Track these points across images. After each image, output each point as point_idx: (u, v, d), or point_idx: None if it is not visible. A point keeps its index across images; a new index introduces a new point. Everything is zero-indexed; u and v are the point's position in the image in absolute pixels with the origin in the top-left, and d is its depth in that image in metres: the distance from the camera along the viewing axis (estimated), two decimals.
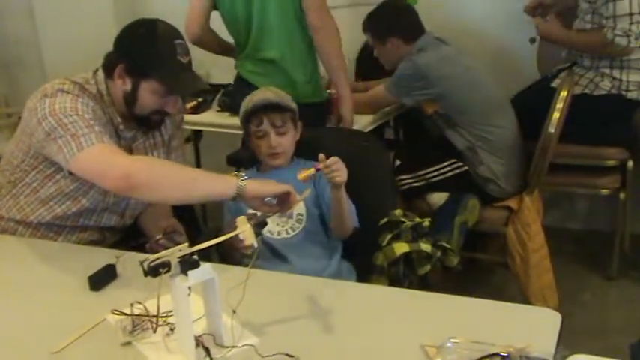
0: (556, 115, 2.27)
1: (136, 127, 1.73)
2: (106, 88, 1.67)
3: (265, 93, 1.86)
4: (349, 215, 1.75)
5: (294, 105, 1.85)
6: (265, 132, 1.80)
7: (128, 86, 1.64)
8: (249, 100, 1.85)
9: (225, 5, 2.41)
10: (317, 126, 2.26)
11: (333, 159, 1.59)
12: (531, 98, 2.69)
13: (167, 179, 1.48)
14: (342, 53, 2.40)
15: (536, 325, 1.22)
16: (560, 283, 2.48)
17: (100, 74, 1.68)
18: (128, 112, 1.68)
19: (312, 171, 1.56)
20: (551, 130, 2.27)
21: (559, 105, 2.28)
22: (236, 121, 1.98)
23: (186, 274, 1.13)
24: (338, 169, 1.60)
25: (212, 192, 1.51)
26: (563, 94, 2.31)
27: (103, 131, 1.56)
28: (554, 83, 2.59)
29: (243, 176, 1.47)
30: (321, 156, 1.59)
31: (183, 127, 1.94)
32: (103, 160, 1.50)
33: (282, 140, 1.81)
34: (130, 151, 1.72)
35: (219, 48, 2.63)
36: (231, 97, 2.63)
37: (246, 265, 1.28)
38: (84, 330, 1.27)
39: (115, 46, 1.67)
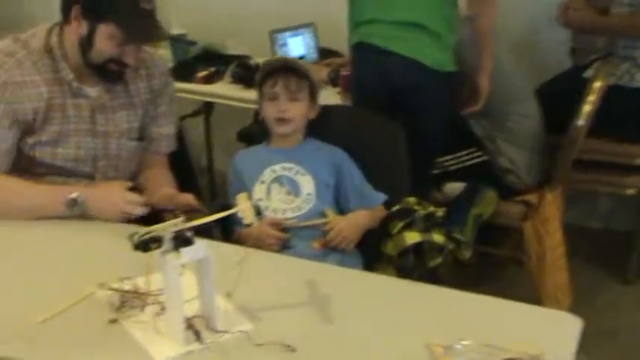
0: (587, 107, 2.16)
1: (95, 82, 1.64)
2: (57, 42, 1.59)
3: (287, 57, 1.81)
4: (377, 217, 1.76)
5: (314, 77, 1.79)
6: (278, 94, 1.74)
7: (84, 30, 1.55)
8: (268, 61, 1.81)
9: None
10: (455, 95, 2.21)
11: (331, 236, 1.66)
12: (560, 88, 2.57)
13: None
14: None
15: (554, 329, 1.14)
16: (574, 283, 2.40)
17: (56, 28, 1.61)
18: (84, 61, 1.58)
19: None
20: (581, 122, 2.16)
21: (591, 96, 2.17)
22: (249, 94, 1.92)
23: (178, 252, 1.06)
24: (339, 243, 1.66)
25: (36, 207, 1.53)
26: (597, 85, 2.19)
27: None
28: (587, 74, 2.47)
29: (79, 195, 1.50)
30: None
31: (172, 93, 1.83)
32: None
33: (293, 106, 1.75)
34: (92, 111, 1.64)
35: None
36: (248, 70, 2.50)
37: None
38: (70, 302, 1.20)
39: None
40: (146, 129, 1.76)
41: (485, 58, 2.20)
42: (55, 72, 1.59)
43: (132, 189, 1.52)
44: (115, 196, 1.51)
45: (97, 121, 1.65)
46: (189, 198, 1.53)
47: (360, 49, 2.17)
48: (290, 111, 1.75)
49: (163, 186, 1.70)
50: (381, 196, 1.77)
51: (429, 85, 2.09)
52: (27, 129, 1.59)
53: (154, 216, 1.49)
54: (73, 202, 1.50)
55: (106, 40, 1.54)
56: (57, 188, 1.57)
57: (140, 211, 1.49)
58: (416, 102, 2.10)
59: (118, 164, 1.71)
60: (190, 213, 1.52)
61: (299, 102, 1.75)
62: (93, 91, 1.64)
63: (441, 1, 2.12)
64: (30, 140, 1.60)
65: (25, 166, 1.62)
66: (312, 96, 1.79)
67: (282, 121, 1.76)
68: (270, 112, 1.77)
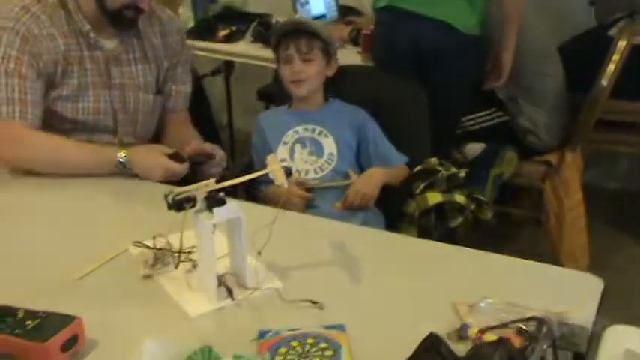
0: (611, 66, 2.14)
1: (110, 34, 1.65)
2: None
3: (297, 19, 1.81)
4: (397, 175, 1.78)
5: (326, 35, 1.79)
6: (291, 57, 1.76)
7: None
8: (280, 24, 1.82)
9: None
10: (481, 60, 2.22)
11: (350, 197, 1.69)
12: (584, 46, 2.54)
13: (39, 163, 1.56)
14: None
15: (575, 289, 1.16)
16: (592, 244, 2.41)
17: None
18: (99, 8, 1.59)
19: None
20: (604, 82, 2.15)
21: (615, 56, 2.14)
22: (269, 53, 1.92)
23: (211, 212, 1.08)
24: (359, 202, 1.69)
25: (86, 167, 1.58)
26: (622, 44, 2.17)
27: (34, 102, 1.57)
28: (612, 32, 2.43)
29: (124, 154, 1.54)
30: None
31: (189, 52, 1.85)
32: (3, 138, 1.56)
33: (307, 67, 1.76)
34: (107, 63, 1.66)
35: None
36: (269, 29, 2.48)
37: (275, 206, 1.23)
38: (106, 259, 1.24)
39: None
40: (164, 86, 1.78)
41: (510, 34, 2.18)
42: (70, 25, 1.61)
43: (172, 155, 1.54)
44: (158, 157, 1.54)
45: (112, 73, 1.67)
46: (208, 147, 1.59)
47: (389, 12, 2.15)
48: (304, 72, 1.76)
49: (191, 140, 1.73)
50: (403, 158, 1.79)
51: (459, 48, 2.09)
52: (49, 82, 1.62)
53: (192, 174, 1.53)
54: (121, 165, 1.55)
55: None
56: (104, 149, 1.61)
57: (182, 169, 1.52)
58: (444, 65, 2.10)
59: (136, 118, 1.74)
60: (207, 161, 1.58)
61: (312, 62, 1.76)
62: (109, 43, 1.66)
63: None
64: (53, 94, 1.63)
65: (49, 122, 1.64)
66: (327, 54, 1.79)
67: (297, 82, 1.77)
68: (286, 74, 1.79)
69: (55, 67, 1.60)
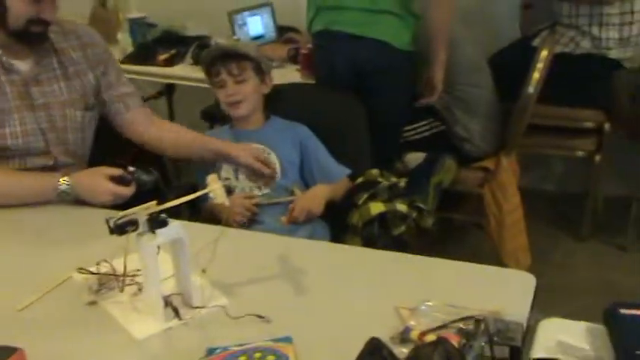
0: (536, 74, 2.24)
1: (24, 55, 1.64)
2: None
3: (222, 44, 1.84)
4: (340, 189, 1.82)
5: (255, 54, 1.83)
6: (224, 81, 1.79)
7: None
8: (207, 52, 1.85)
9: None
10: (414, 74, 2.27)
11: (295, 212, 1.72)
12: (510, 57, 2.66)
13: None
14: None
15: (511, 287, 1.21)
16: (532, 244, 2.50)
17: None
18: (5, 30, 1.58)
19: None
20: (530, 90, 2.24)
21: (539, 64, 2.25)
22: None
23: (154, 233, 1.09)
24: (304, 218, 1.72)
25: (29, 197, 1.56)
26: (544, 53, 2.28)
27: None
28: (535, 42, 2.55)
29: (67, 181, 1.53)
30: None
31: (112, 58, 1.82)
32: None
33: (241, 87, 1.79)
34: (26, 85, 1.64)
35: None
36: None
37: (217, 224, 1.25)
38: (49, 288, 1.23)
39: None
40: (105, 97, 1.76)
41: (439, 50, 2.26)
42: None
43: (117, 177, 1.53)
44: (103, 182, 1.52)
45: (33, 94, 1.65)
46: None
47: (326, 36, 2.21)
48: (239, 93, 1.79)
49: (174, 131, 1.78)
50: (345, 170, 1.83)
51: (396, 65, 2.18)
52: None
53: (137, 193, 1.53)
54: (64, 193, 1.54)
55: (19, 1, 1.54)
56: (45, 177, 1.58)
57: (129, 192, 1.52)
58: (383, 81, 2.18)
59: (66, 136, 1.71)
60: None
61: (246, 82, 1.79)
62: (24, 64, 1.64)
63: None
64: None
65: None
66: (261, 72, 1.82)
67: (234, 104, 1.80)
68: (222, 98, 1.82)
69: None
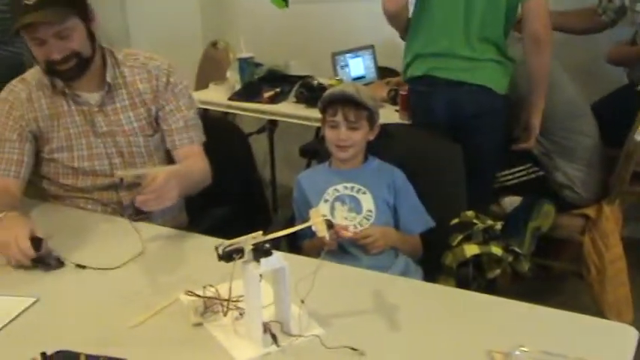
0: None
1: (91, 88, 1.80)
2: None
3: (347, 87, 1.89)
4: (412, 248, 1.83)
5: (372, 104, 1.85)
6: (338, 123, 1.83)
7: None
8: (331, 91, 1.89)
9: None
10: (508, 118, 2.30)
11: (365, 234, 1.71)
12: (615, 103, 2.58)
13: None
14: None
15: (611, 340, 1.18)
16: (636, 297, 2.38)
17: None
18: (45, 72, 1.76)
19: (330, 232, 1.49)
20: (638, 137, 2.17)
21: None
22: (312, 113, 2.00)
23: (258, 262, 1.16)
24: (368, 244, 1.71)
25: None
26: None
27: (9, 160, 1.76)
28: None
29: None
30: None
31: (180, 91, 1.89)
32: None
33: (353, 134, 1.83)
34: (91, 114, 1.81)
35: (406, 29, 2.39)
36: (311, 90, 2.60)
37: (316, 258, 1.30)
38: (158, 307, 1.32)
39: None
40: (163, 126, 1.88)
41: (538, 97, 2.25)
42: (54, 86, 1.80)
43: (33, 239, 1.50)
44: (12, 240, 1.49)
45: (98, 123, 1.82)
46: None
47: (426, 81, 2.26)
48: (350, 139, 1.82)
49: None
50: (429, 222, 1.83)
51: (495, 108, 2.22)
52: (39, 139, 1.81)
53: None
54: None
55: (32, 47, 1.70)
56: None
57: (26, 262, 1.49)
58: (481, 124, 2.21)
59: (133, 161, 1.86)
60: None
61: (358, 130, 1.83)
62: (92, 96, 1.82)
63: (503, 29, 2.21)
64: (46, 148, 1.82)
65: (49, 173, 1.85)
66: (371, 122, 1.86)
67: (342, 147, 1.85)
68: (330, 137, 1.85)
69: (36, 123, 1.80)
